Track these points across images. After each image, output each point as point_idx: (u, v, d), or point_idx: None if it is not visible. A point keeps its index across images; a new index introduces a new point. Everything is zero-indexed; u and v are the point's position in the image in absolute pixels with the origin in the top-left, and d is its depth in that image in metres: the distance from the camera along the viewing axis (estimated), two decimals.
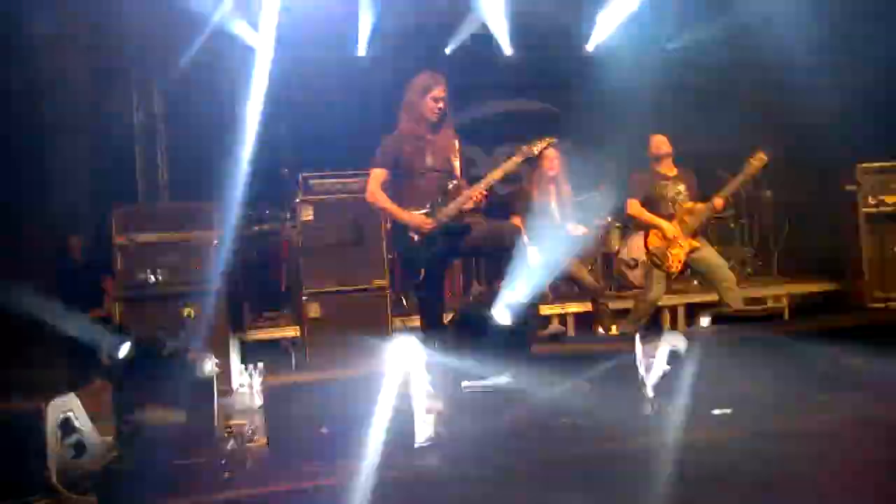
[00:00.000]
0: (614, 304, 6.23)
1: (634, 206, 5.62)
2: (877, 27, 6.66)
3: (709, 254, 5.57)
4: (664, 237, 5.51)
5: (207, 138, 7.38)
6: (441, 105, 4.24)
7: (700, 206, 5.55)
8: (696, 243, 5.53)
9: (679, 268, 5.55)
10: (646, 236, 5.62)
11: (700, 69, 8.31)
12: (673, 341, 3.81)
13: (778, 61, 7.09)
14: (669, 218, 5.53)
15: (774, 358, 3.51)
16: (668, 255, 5.53)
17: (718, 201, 5.49)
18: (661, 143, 5.68)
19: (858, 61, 6.60)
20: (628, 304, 6.55)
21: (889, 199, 6.27)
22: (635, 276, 6.92)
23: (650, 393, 3.70)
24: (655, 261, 5.56)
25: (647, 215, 5.58)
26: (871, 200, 6.20)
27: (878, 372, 3.38)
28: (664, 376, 3.71)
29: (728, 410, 3.47)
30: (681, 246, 5.50)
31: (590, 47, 8.73)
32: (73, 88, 6.98)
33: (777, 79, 7.36)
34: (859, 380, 3.48)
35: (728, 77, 8.26)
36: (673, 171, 5.67)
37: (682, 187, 5.62)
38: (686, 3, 8.15)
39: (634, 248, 6.94)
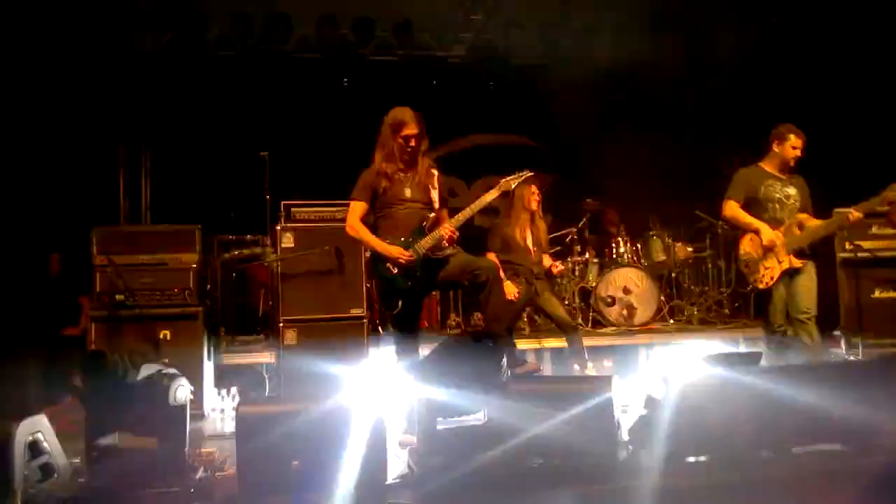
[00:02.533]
0: (590, 341, 6.19)
1: (731, 208, 4.93)
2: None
3: (807, 282, 4.80)
4: (760, 244, 4.83)
5: (191, 162, 7.44)
6: (412, 143, 4.28)
7: (817, 221, 4.86)
8: (797, 263, 4.78)
9: (768, 284, 4.83)
10: (740, 239, 4.98)
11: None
12: (651, 384, 3.83)
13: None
14: (775, 225, 4.84)
15: (754, 402, 3.48)
16: (760, 266, 4.85)
17: (856, 213, 4.74)
18: (797, 141, 4.89)
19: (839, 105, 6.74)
20: (603, 341, 6.58)
21: (866, 245, 6.29)
22: (612, 312, 6.98)
23: (625, 436, 3.71)
24: (744, 269, 4.94)
25: (744, 217, 4.89)
26: (847, 245, 6.23)
27: (851, 419, 3.40)
28: (641, 420, 3.73)
29: (703, 458, 3.45)
30: (778, 260, 4.81)
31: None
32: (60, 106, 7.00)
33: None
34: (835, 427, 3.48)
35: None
36: (786, 175, 4.97)
37: (792, 191, 4.93)
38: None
39: (612, 284, 7.03)
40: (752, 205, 4.91)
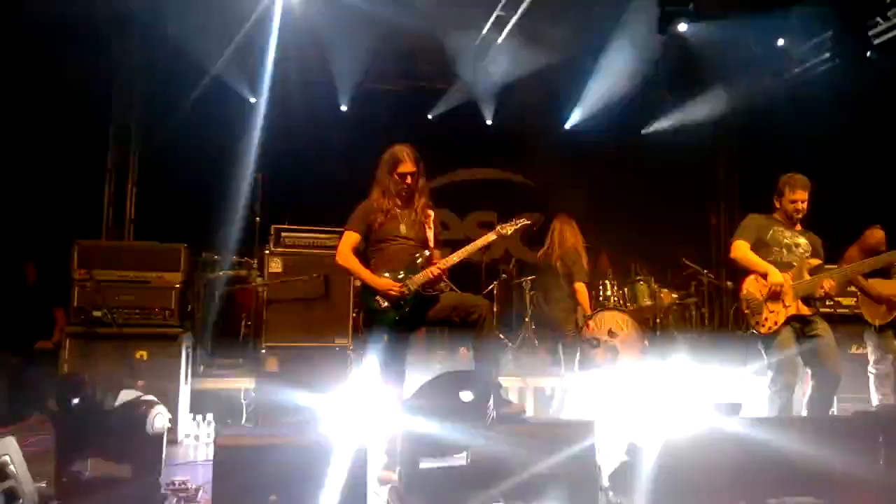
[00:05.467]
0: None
1: (741, 247, 4.70)
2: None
3: (822, 333, 4.54)
4: (765, 286, 4.57)
5: (181, 180, 7.37)
6: (408, 181, 4.30)
7: (831, 272, 4.67)
8: (805, 310, 4.56)
9: (770, 330, 4.54)
10: (742, 280, 4.76)
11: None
12: (633, 429, 3.81)
13: None
14: (783, 269, 4.60)
15: (734, 452, 3.48)
16: (764, 308, 4.58)
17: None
18: (798, 198, 4.72)
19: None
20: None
21: (845, 302, 6.37)
22: (597, 354, 6.96)
23: (605, 482, 3.67)
24: (746, 310, 4.69)
25: (753, 258, 4.65)
26: (828, 303, 6.28)
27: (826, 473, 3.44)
28: (622, 466, 3.70)
29: None
30: (784, 305, 4.57)
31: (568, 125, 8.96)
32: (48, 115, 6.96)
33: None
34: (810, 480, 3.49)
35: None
36: (797, 226, 4.81)
37: (802, 241, 4.74)
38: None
39: (598, 326, 7.01)
40: (760, 247, 4.70)
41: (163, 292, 5.30)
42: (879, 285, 5.46)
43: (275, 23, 7.26)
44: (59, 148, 7.20)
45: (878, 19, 6.90)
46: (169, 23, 7.04)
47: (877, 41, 6.90)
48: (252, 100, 8.14)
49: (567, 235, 6.44)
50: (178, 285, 5.35)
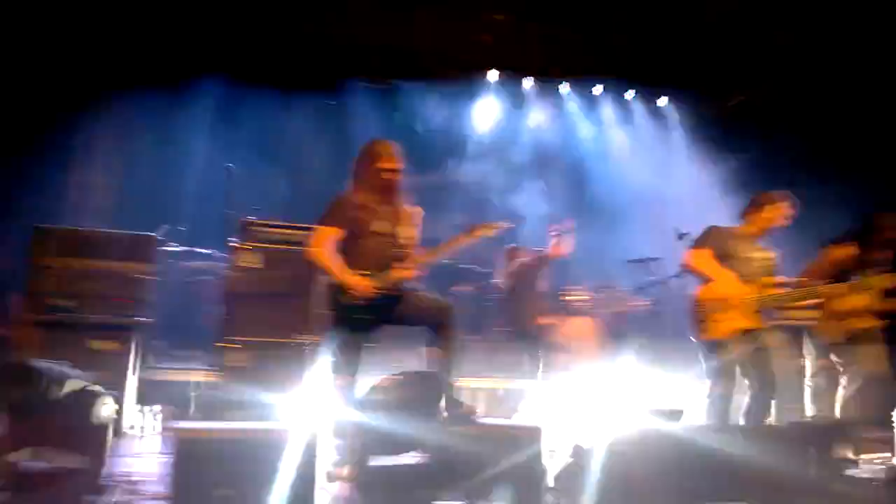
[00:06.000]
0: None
1: (700, 255, 4.73)
2: None
3: (763, 345, 4.61)
4: (721, 294, 4.60)
5: (150, 168, 7.30)
6: (390, 176, 4.26)
7: (786, 291, 4.70)
8: (753, 324, 4.57)
9: (712, 338, 4.59)
10: (700, 287, 4.76)
11: None
12: (579, 432, 3.89)
13: None
14: (742, 281, 4.62)
15: (675, 458, 3.60)
16: (711, 317, 4.61)
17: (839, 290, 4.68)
18: (784, 209, 4.78)
19: None
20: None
21: (795, 315, 6.42)
22: (559, 358, 7.05)
23: (550, 483, 3.74)
24: (698, 317, 4.69)
25: (711, 265, 4.67)
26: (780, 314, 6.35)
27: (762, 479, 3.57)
28: (567, 467, 3.77)
29: None
30: (732, 317, 4.56)
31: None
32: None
33: None
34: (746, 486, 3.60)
35: None
36: (760, 242, 4.87)
37: (762, 256, 4.78)
38: None
39: (562, 331, 7.10)
40: (720, 259, 4.73)
41: (124, 282, 5.22)
42: (839, 302, 5.21)
43: None
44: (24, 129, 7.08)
45: None
46: None
47: None
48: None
49: None
50: (141, 275, 5.27)
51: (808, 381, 5.64)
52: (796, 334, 5.96)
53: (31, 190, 6.96)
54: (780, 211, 4.78)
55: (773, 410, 4.91)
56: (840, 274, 5.02)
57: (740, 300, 4.57)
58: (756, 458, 3.60)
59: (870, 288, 4.74)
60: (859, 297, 5.00)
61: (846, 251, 5.18)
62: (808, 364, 5.67)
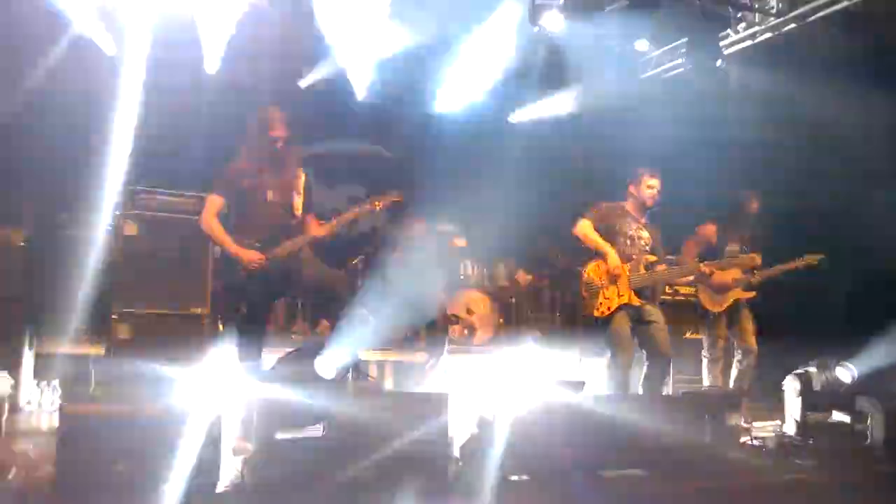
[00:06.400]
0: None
1: (585, 226, 4.96)
2: None
3: (654, 319, 4.88)
4: (605, 272, 4.88)
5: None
6: (279, 144, 4.21)
7: (665, 266, 5.06)
8: (636, 301, 4.85)
9: (603, 314, 4.85)
10: (584, 265, 5.03)
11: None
12: (483, 404, 4.01)
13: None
14: (623, 259, 4.89)
15: (574, 427, 3.77)
16: (601, 294, 4.89)
17: (708, 269, 5.04)
18: (654, 185, 5.00)
19: None
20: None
21: (683, 290, 6.89)
22: (454, 331, 7.21)
23: (456, 453, 3.85)
24: (584, 294, 4.96)
25: (595, 238, 4.93)
26: (667, 289, 6.76)
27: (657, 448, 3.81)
28: (472, 438, 3.89)
29: (525, 477, 3.67)
30: (619, 293, 4.85)
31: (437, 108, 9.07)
32: None
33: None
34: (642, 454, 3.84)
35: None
36: (643, 219, 5.10)
37: (645, 234, 5.04)
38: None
39: (457, 304, 7.26)
40: (604, 234, 4.97)
41: (5, 252, 4.95)
42: (718, 274, 5.65)
43: None
44: None
45: (729, 31, 7.53)
46: None
47: (727, 51, 7.53)
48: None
49: None
50: (21, 243, 5.00)
51: (704, 353, 5.98)
52: (691, 309, 6.36)
53: None
54: (655, 182, 5.02)
55: (670, 381, 5.29)
56: (707, 251, 5.62)
57: (622, 279, 4.85)
58: (653, 426, 3.81)
59: (739, 265, 5.34)
60: (730, 272, 5.56)
61: (708, 230, 5.77)
62: (703, 337, 6.02)
